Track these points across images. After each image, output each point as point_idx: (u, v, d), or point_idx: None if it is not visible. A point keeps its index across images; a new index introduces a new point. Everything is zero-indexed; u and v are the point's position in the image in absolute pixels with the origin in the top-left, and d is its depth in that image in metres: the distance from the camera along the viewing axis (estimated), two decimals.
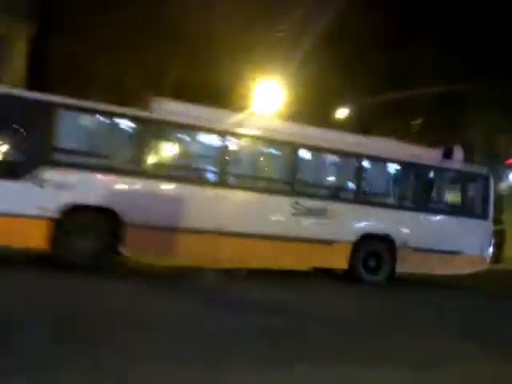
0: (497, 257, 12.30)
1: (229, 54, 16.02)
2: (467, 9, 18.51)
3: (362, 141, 9.83)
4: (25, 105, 7.33)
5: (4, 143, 7.58)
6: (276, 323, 5.05)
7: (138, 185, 7.94)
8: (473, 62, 19.05)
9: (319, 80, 18.27)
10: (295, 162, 9.15)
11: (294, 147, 9.07)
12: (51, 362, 3.28)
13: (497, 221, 11.63)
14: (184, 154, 8.93)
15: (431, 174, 10.47)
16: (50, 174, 7.29)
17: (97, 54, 15.03)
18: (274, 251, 8.68)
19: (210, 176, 8.85)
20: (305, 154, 9.30)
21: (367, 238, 9.29)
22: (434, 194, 10.61)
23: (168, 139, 8.84)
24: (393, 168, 10.14)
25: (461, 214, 10.26)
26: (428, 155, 10.08)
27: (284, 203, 8.80)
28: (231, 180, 8.79)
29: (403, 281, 10.02)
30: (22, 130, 7.33)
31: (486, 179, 10.30)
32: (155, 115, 8.07)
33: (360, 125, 16.63)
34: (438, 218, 10.11)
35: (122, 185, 7.87)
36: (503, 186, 19.85)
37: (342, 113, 20.92)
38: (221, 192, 8.47)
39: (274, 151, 9.49)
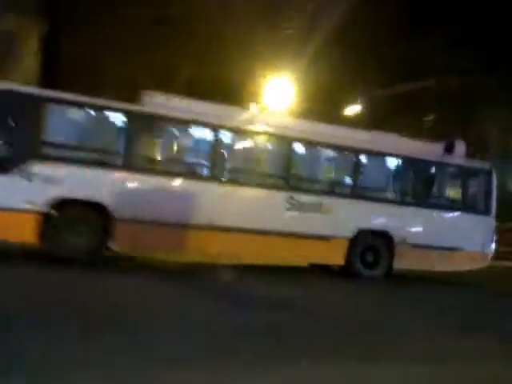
0: None
1: (240, 51, 15.99)
2: (480, 2, 18.30)
3: (361, 135, 9.70)
4: (13, 98, 7.28)
5: None
6: (282, 319, 5.04)
7: (127, 179, 7.90)
8: (486, 56, 18.83)
9: (330, 76, 18.17)
10: (290, 157, 9.02)
11: (289, 141, 8.94)
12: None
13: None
14: (175, 148, 8.84)
15: (431, 169, 10.31)
16: (39, 168, 7.27)
17: (108, 53, 15.07)
18: (269, 247, 8.56)
19: (201, 170, 8.76)
20: (300, 148, 9.18)
21: (364, 234, 9.18)
22: (434, 189, 10.46)
23: (159, 133, 8.73)
24: (392, 163, 9.98)
25: (462, 209, 10.12)
26: (429, 150, 9.93)
27: (278, 198, 8.69)
28: (223, 174, 8.69)
29: (403, 277, 9.94)
30: (10, 124, 7.33)
31: (489, 174, 10.14)
32: (146, 109, 8.01)
33: (372, 121, 16.49)
34: (439, 213, 9.96)
35: (111, 179, 7.81)
36: None
37: (353, 109, 20.80)
38: (212, 186, 8.40)
39: (266, 145, 9.33)
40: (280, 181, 8.99)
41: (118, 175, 7.86)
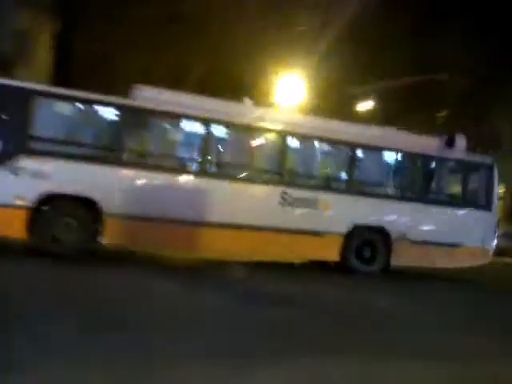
0: None
1: (251, 49, 15.98)
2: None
3: (359, 130, 9.54)
4: (0, 92, 7.22)
5: None
6: (284, 315, 5.04)
7: (117, 174, 7.77)
8: (499, 53, 18.66)
9: (341, 72, 18.13)
10: (284, 151, 8.84)
11: (282, 135, 8.78)
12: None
13: None
14: (165, 143, 8.69)
15: (431, 164, 10.08)
16: (27, 163, 7.17)
17: (121, 51, 15.13)
18: (263, 243, 8.41)
19: (192, 165, 8.61)
20: (294, 142, 9.00)
21: (360, 230, 9.03)
22: (433, 184, 10.24)
23: (149, 127, 8.54)
24: (390, 157, 9.75)
25: (462, 204, 9.90)
26: (428, 144, 9.74)
27: (272, 193, 8.53)
28: (214, 169, 8.56)
29: (403, 273, 9.84)
30: None
31: (490, 168, 9.89)
32: (137, 103, 7.90)
33: (384, 117, 16.41)
34: (438, 209, 9.71)
35: (100, 174, 7.67)
36: None
37: (365, 106, 20.72)
38: (203, 181, 8.27)
39: (259, 139, 9.12)
40: (274, 176, 8.83)
41: (107, 170, 7.71)
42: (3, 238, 7.60)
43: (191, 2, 15.68)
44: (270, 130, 8.86)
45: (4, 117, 7.24)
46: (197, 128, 8.36)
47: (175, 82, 11.52)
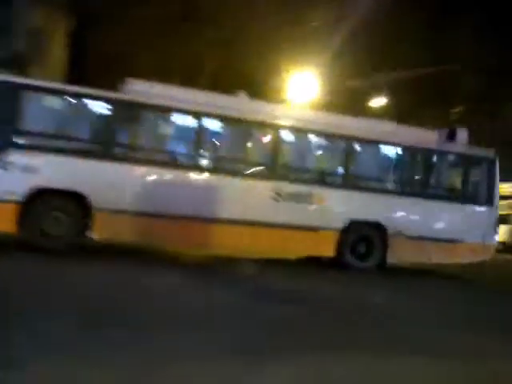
0: None
1: (264, 45, 15.97)
2: None
3: (356, 123, 9.36)
4: None
5: None
6: (286, 312, 5.04)
7: (106, 168, 7.70)
8: None
9: (354, 69, 18.05)
10: (279, 145, 8.71)
11: (277, 129, 8.64)
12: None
13: None
14: (156, 137, 8.62)
15: (430, 158, 9.89)
16: (16, 157, 7.17)
17: (135, 49, 15.21)
18: (256, 238, 8.33)
19: (183, 159, 8.54)
20: (289, 136, 8.87)
21: (356, 225, 8.91)
22: (433, 178, 10.07)
23: (139, 121, 8.45)
24: (388, 151, 9.56)
25: (463, 199, 9.72)
26: (428, 137, 9.56)
27: (266, 188, 8.42)
28: (206, 163, 8.45)
29: (401, 270, 9.78)
30: None
31: (492, 163, 9.68)
32: (127, 97, 7.84)
33: (397, 113, 16.31)
34: (437, 204, 9.51)
35: (89, 168, 7.61)
36: None
37: (378, 102, 20.61)
38: (194, 175, 8.21)
39: (253, 133, 9.04)
40: (267, 170, 8.71)
41: (96, 164, 7.65)
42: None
43: (205, 0, 15.71)
44: (263, 124, 8.73)
45: None
46: (189, 121, 8.27)
47: (188, 80, 11.56)
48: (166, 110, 8.23)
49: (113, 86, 8.07)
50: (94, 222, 7.53)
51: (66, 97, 7.76)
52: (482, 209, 9.71)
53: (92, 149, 7.84)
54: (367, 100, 20.55)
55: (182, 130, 8.40)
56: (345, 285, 7.76)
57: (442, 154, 9.89)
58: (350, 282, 8.19)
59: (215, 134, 8.56)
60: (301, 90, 18.44)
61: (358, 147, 9.22)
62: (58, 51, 16.24)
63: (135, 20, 15.05)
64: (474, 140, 10.01)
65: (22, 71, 11.80)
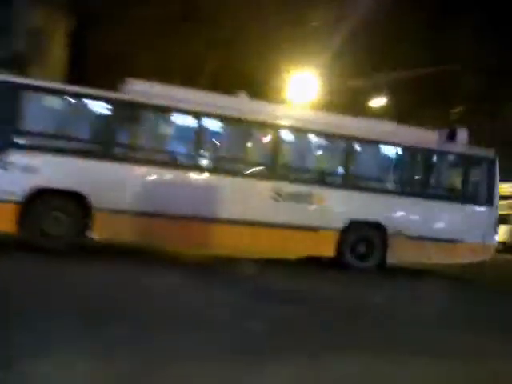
0: None
1: (264, 46, 15.97)
2: None
3: (357, 123, 9.37)
4: None
5: None
6: (286, 312, 5.05)
7: (106, 168, 7.71)
8: None
9: (355, 69, 18.06)
10: (279, 145, 8.71)
11: (276, 129, 8.65)
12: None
13: None
14: (156, 137, 8.63)
15: (430, 158, 9.91)
16: (16, 157, 7.18)
17: (135, 49, 15.21)
18: (256, 238, 8.33)
19: (183, 159, 8.54)
20: (289, 136, 8.87)
21: (356, 225, 8.91)
22: (433, 178, 10.08)
23: (139, 121, 8.44)
24: (388, 151, 9.57)
25: (463, 199, 9.73)
26: (428, 137, 9.56)
27: (266, 188, 8.42)
28: (206, 163, 8.46)
29: (400, 270, 9.76)
30: None
31: (492, 163, 9.69)
32: (128, 97, 7.84)
33: (397, 113, 16.31)
34: (437, 204, 9.53)
35: (89, 168, 7.61)
36: None
37: (378, 102, 20.62)
38: (194, 175, 8.22)
39: (253, 133, 9.03)
40: (268, 170, 8.72)
41: (96, 164, 7.65)
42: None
43: (205, 0, 15.71)
44: (264, 124, 8.73)
45: None
46: (189, 121, 8.27)
47: (188, 80, 11.56)
48: (166, 110, 8.25)
49: (113, 86, 8.07)
50: (93, 222, 7.54)
51: (66, 97, 7.78)
52: (482, 209, 9.72)
53: (92, 149, 7.85)
54: (367, 100, 20.56)
55: (182, 130, 8.41)
56: (345, 285, 7.78)
57: (442, 154, 9.91)
58: (349, 281, 8.20)
59: (215, 134, 8.57)
60: (301, 90, 18.44)
61: (358, 147, 9.23)
62: (58, 51, 16.23)
63: (135, 20, 15.05)
64: (474, 140, 10.02)
65: (22, 71, 11.79)
